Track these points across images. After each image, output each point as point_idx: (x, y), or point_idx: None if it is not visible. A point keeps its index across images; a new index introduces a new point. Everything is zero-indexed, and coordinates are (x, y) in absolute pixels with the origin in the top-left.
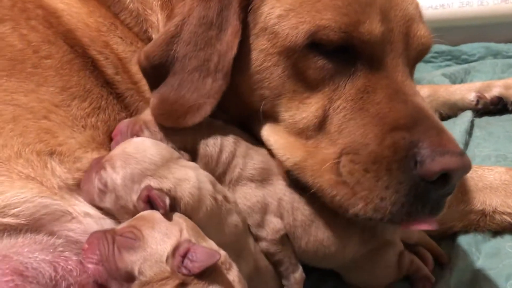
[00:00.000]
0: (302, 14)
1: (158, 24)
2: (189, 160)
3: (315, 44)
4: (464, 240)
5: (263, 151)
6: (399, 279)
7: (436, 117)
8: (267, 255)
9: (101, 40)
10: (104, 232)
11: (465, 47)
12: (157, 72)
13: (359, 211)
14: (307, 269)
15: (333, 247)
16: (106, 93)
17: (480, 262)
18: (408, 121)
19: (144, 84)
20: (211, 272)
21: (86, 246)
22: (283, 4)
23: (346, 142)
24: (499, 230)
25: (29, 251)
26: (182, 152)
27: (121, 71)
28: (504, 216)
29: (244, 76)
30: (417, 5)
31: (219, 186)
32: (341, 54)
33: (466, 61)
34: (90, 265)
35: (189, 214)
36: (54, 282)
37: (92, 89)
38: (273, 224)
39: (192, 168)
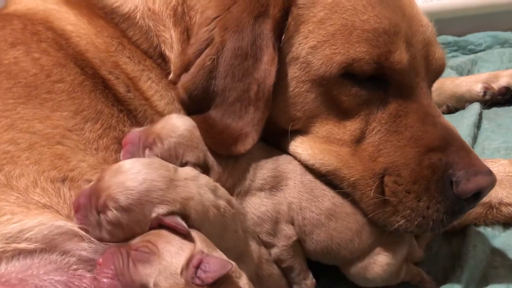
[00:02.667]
0: (336, 46)
1: (172, 40)
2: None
3: (348, 74)
4: (474, 237)
5: (276, 157)
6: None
7: (461, 137)
8: (278, 261)
9: (111, 60)
10: (119, 247)
11: (472, 37)
12: (197, 105)
13: (402, 227)
14: (317, 273)
15: (343, 240)
16: (116, 111)
17: (491, 258)
18: (440, 143)
19: (156, 100)
20: (222, 281)
21: (101, 261)
22: (317, 36)
23: (387, 161)
24: (507, 221)
25: (44, 273)
26: (196, 167)
27: (133, 89)
28: (511, 208)
29: (275, 98)
30: (432, 28)
31: (221, 190)
32: (372, 82)
33: (472, 51)
34: (105, 280)
35: (196, 228)
36: None
37: (103, 110)
38: (285, 231)
39: (192, 179)
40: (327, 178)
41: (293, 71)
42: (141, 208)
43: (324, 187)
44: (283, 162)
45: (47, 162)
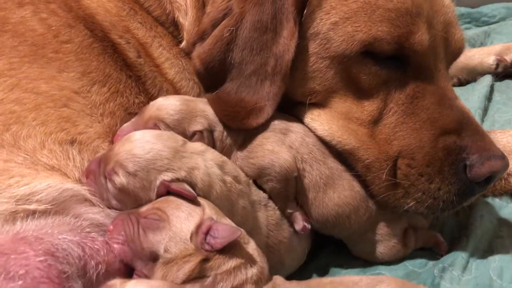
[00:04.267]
0: (358, 23)
1: (186, 7)
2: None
3: (368, 52)
4: (482, 208)
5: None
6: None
7: (476, 120)
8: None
9: (122, 25)
10: (128, 214)
11: (485, 9)
12: (213, 77)
13: (412, 208)
14: (316, 249)
15: (351, 205)
16: (124, 76)
17: (498, 228)
18: (456, 126)
19: (166, 67)
20: (231, 247)
21: (111, 227)
22: (339, 12)
23: (402, 144)
24: None
25: (59, 233)
26: (204, 134)
27: (143, 55)
28: None
29: (293, 72)
30: (453, 9)
31: (229, 167)
32: (392, 62)
33: (486, 23)
34: (116, 245)
35: (203, 196)
36: (83, 262)
37: (111, 73)
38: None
39: (199, 153)
40: (340, 157)
41: (313, 47)
42: (147, 174)
43: (326, 155)
44: (291, 121)
45: (54, 124)
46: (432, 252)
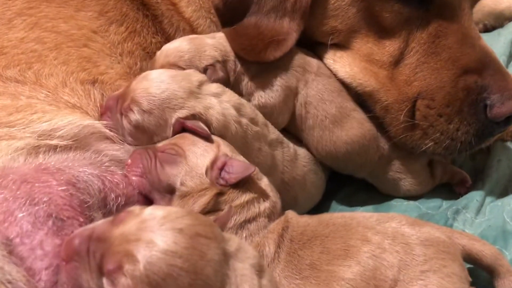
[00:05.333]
0: None
1: None
2: None
3: None
4: (500, 152)
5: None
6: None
7: (499, 60)
8: None
9: None
10: (146, 148)
11: None
12: (231, 12)
13: (430, 149)
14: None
15: (360, 143)
16: (141, 16)
17: None
18: (477, 65)
19: (183, 6)
20: (244, 182)
21: (130, 161)
22: None
23: (422, 85)
24: None
25: (79, 166)
26: (217, 67)
27: None
28: None
29: (314, 10)
30: None
31: (246, 109)
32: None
33: None
34: (134, 178)
35: (218, 135)
36: (103, 194)
37: (128, 13)
38: None
39: (215, 95)
40: (360, 99)
41: None
42: (161, 112)
43: (335, 94)
44: (308, 57)
45: (75, 64)
46: (447, 194)
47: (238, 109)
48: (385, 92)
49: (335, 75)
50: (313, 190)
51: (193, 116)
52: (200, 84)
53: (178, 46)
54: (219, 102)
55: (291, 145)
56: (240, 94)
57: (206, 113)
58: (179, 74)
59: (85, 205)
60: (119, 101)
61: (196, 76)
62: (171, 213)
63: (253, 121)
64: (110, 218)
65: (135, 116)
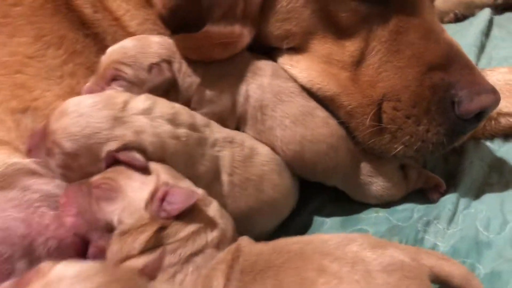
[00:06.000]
0: None
1: None
2: None
3: None
4: (472, 153)
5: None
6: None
7: (465, 54)
8: None
9: None
10: (80, 184)
11: None
12: (179, 23)
13: (400, 153)
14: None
15: (315, 151)
16: (81, 36)
17: (488, 175)
18: (443, 61)
19: (127, 20)
20: (189, 212)
21: (64, 199)
22: None
23: (387, 86)
24: (507, 133)
25: (2, 210)
26: (163, 65)
27: (101, 9)
28: (509, 118)
29: (266, 14)
30: None
31: (182, 117)
32: None
33: None
34: (68, 218)
35: (157, 161)
36: (28, 240)
37: (66, 35)
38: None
39: (143, 113)
40: (322, 104)
41: None
42: (88, 150)
43: (294, 95)
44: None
45: (7, 92)
46: (418, 203)
47: (173, 120)
48: (348, 95)
49: (295, 81)
50: (276, 194)
51: (125, 146)
52: (125, 105)
53: (123, 43)
54: (150, 121)
55: (247, 143)
56: (187, 99)
57: (138, 140)
58: (99, 100)
59: (2, 257)
60: (42, 138)
61: (119, 97)
62: (83, 271)
63: (192, 127)
64: (16, 280)
65: (61, 157)
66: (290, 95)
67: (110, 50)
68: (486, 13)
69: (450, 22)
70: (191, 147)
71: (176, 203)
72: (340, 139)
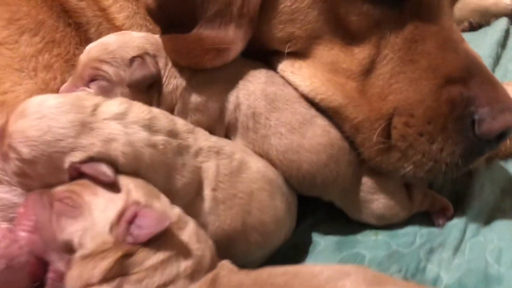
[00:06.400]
0: None
1: None
2: None
3: None
4: (484, 175)
5: None
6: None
7: (486, 67)
8: None
9: None
10: (41, 194)
11: None
12: (169, 19)
13: (410, 173)
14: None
15: (314, 162)
16: (62, 24)
17: (500, 200)
18: (462, 73)
19: (114, 11)
20: (159, 237)
21: (22, 210)
22: None
23: (399, 99)
24: None
25: None
26: (146, 58)
27: None
28: None
29: (267, 14)
30: None
31: (159, 122)
32: None
33: None
34: (23, 233)
35: (131, 174)
36: None
37: (45, 21)
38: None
39: (116, 118)
40: (326, 116)
41: None
42: (49, 160)
43: (291, 102)
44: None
45: None
46: (422, 227)
47: (149, 126)
48: (355, 108)
49: (296, 90)
50: (265, 218)
51: (91, 158)
52: (95, 108)
53: (102, 39)
54: (123, 127)
55: (237, 155)
56: (170, 105)
57: (108, 150)
58: (65, 102)
59: None
60: (1, 141)
61: (89, 99)
62: None
63: (171, 133)
64: None
65: (17, 164)
66: (286, 102)
67: (89, 47)
68: (502, 22)
69: (464, 31)
70: (169, 156)
71: (146, 228)
72: (342, 150)
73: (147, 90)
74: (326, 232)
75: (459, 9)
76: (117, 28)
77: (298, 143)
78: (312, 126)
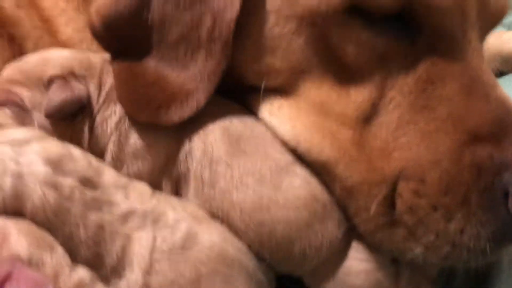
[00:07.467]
0: None
1: None
2: None
3: (357, 9)
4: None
5: None
6: None
7: None
8: None
9: None
10: None
11: None
12: (121, 43)
13: (419, 256)
14: None
15: (287, 223)
16: None
17: None
18: (493, 128)
19: (60, 23)
20: None
21: None
22: None
23: (407, 158)
24: None
25: None
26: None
27: (27, 5)
28: None
29: (242, 40)
30: None
31: (74, 164)
32: (394, 26)
33: None
34: None
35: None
36: None
37: None
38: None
39: (12, 143)
40: (313, 169)
41: (272, 1)
42: None
43: (260, 146)
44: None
45: None
46: None
47: (57, 163)
48: (348, 164)
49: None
50: None
51: None
52: None
53: (25, 57)
54: (15, 153)
55: (183, 225)
56: (101, 148)
57: None
58: None
59: None
60: None
61: None
62: None
63: (88, 182)
64: None
65: None
66: (256, 146)
67: (7, 66)
68: None
69: None
70: (76, 208)
71: None
72: (328, 205)
73: (72, 121)
74: None
75: None
76: (61, 43)
77: (270, 197)
78: (288, 175)
